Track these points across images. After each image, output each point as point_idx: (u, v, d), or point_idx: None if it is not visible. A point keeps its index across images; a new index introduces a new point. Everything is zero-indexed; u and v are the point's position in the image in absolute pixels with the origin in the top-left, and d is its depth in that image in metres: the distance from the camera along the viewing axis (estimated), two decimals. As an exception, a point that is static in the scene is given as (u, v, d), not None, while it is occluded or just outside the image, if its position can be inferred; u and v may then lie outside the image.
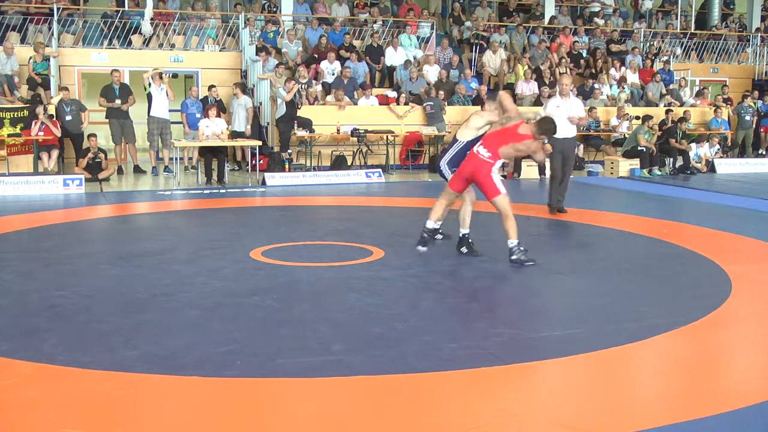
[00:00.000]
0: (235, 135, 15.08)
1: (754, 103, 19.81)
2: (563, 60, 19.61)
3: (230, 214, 10.67)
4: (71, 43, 17.14)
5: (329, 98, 16.60)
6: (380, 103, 17.06)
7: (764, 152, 19.95)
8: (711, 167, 17.28)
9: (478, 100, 17.52)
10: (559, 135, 8.65)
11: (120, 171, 15.21)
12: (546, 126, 7.37)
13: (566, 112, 10.26)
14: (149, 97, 15.15)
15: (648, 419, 3.76)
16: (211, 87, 15.86)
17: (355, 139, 15.77)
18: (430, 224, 7.55)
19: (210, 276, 6.71)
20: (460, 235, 7.72)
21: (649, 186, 14.24)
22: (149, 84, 14.83)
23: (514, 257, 7.19)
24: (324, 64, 17.45)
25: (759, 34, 23.88)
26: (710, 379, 4.42)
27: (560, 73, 16.15)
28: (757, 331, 5.45)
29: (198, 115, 15.00)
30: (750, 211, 10.86)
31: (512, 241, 7.20)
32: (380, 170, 15.07)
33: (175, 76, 15.09)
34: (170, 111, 15.36)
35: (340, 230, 9.20)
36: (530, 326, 5.42)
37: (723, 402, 4.00)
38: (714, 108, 19.37)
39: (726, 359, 4.90)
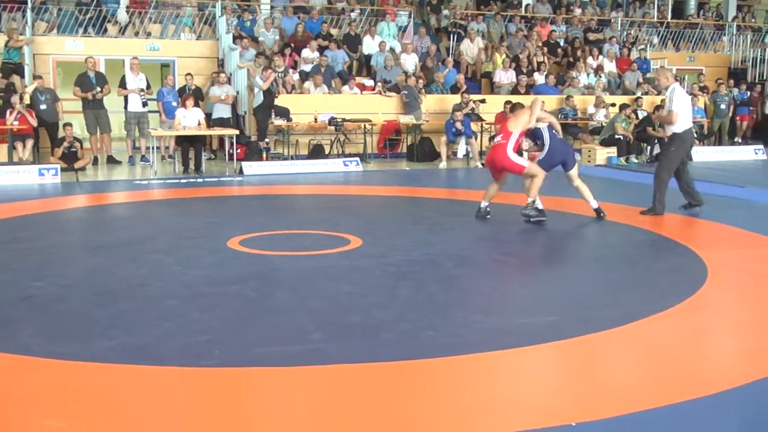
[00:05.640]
0: (216, 123, 15.03)
1: (730, 91, 19.96)
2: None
3: (207, 203, 10.62)
4: (45, 31, 16.96)
5: (306, 85, 16.54)
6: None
7: (740, 140, 20.11)
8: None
9: (456, 89, 17.55)
10: None
11: (95, 161, 15.09)
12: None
13: None
14: (126, 99, 15.17)
15: (626, 404, 3.79)
16: (187, 75, 15.78)
17: (333, 127, 15.72)
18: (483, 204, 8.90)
19: (187, 265, 6.68)
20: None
21: (627, 174, 14.32)
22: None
23: (525, 210, 8.56)
24: (305, 52, 17.39)
25: (735, 23, 24.05)
26: (686, 364, 4.45)
27: None
28: (731, 317, 5.51)
29: (174, 104, 14.93)
30: (726, 199, 10.96)
31: (530, 199, 8.57)
32: (358, 159, 15.06)
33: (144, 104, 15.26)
34: (149, 100, 15.30)
35: (317, 219, 9.19)
36: (508, 314, 5.44)
37: (699, 387, 4.04)
38: (690, 96, 19.46)
39: (701, 345, 4.93)
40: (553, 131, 8.97)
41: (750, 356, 4.61)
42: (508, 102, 16.01)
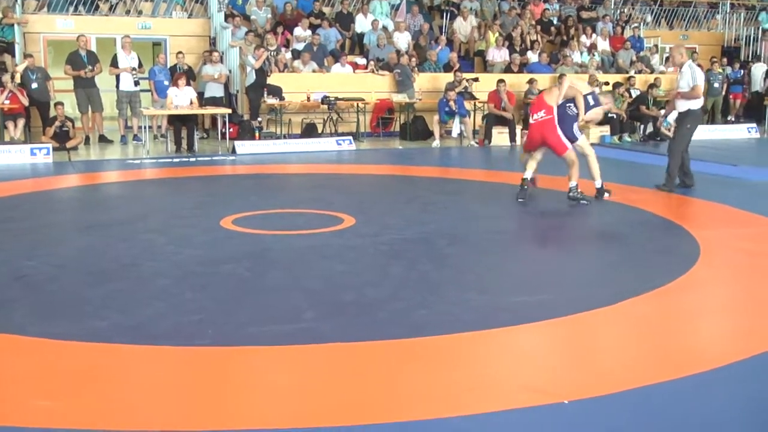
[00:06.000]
0: (208, 102, 14.95)
1: (723, 70, 19.93)
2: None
3: (200, 182, 10.59)
4: (35, 9, 16.81)
5: (296, 63, 16.45)
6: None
7: (733, 119, 20.10)
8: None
9: (449, 67, 17.49)
10: None
11: (87, 140, 15.02)
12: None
13: None
14: (117, 78, 15.06)
15: (618, 382, 3.80)
16: (179, 54, 15.69)
17: (326, 106, 15.66)
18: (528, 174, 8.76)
19: (180, 245, 6.66)
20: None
21: (619, 152, 14.31)
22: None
23: (571, 194, 8.56)
24: (297, 31, 17.29)
25: (728, 2, 23.98)
26: (679, 341, 4.46)
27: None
28: (722, 295, 5.53)
29: (166, 83, 14.85)
30: (719, 177, 10.98)
31: (572, 183, 8.58)
32: (351, 138, 15.03)
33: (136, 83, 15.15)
34: (140, 78, 15.21)
35: (310, 198, 9.18)
36: (500, 292, 5.44)
37: (689, 365, 4.05)
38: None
39: (692, 323, 4.94)
40: (567, 104, 8.78)
41: (743, 333, 4.63)
42: (501, 81, 15.97)
